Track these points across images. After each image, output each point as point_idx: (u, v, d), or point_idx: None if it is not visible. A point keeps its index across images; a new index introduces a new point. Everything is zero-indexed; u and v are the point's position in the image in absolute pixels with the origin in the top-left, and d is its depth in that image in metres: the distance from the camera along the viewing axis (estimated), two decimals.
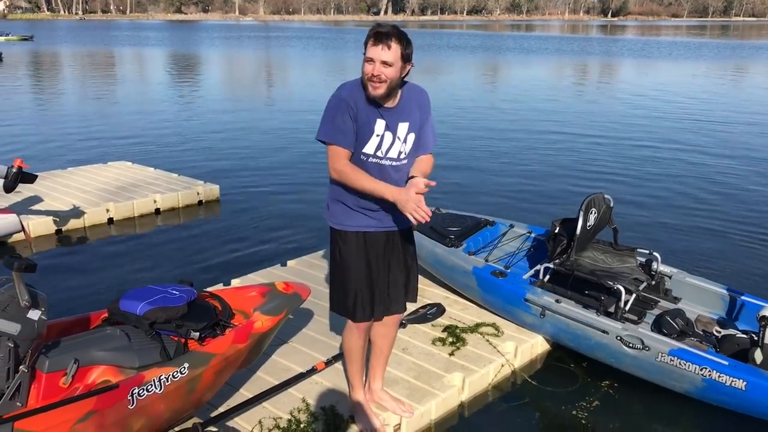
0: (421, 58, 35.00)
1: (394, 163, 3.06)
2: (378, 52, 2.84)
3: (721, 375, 3.64)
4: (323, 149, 3.03)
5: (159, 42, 48.84)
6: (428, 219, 2.81)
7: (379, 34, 2.84)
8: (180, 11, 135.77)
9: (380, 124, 2.97)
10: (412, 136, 3.08)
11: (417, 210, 2.80)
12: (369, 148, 2.98)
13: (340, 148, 2.94)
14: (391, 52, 2.84)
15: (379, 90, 2.89)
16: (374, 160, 3.01)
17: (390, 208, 3.03)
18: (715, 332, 4.24)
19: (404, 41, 2.89)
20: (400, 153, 3.06)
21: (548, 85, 22.69)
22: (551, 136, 12.87)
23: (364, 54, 2.89)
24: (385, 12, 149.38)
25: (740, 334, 4.08)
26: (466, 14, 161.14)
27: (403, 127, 3.04)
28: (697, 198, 8.65)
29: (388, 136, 3.00)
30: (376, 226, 3.14)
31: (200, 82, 23.29)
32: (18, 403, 2.70)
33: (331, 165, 2.98)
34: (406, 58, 2.91)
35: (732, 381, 3.61)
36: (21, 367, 2.73)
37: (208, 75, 26.28)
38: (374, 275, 3.19)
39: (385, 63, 2.84)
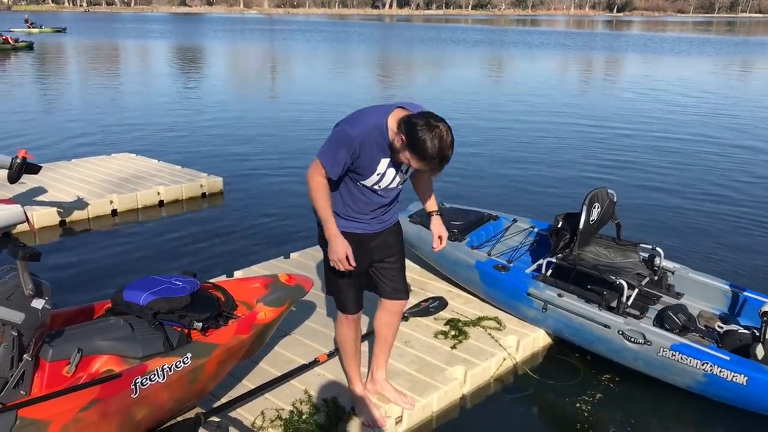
0: (425, 51, 34.94)
1: (391, 189, 3.12)
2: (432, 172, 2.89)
3: (723, 370, 3.65)
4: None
5: (163, 34, 48.80)
6: (347, 268, 2.98)
7: (443, 164, 2.83)
8: (184, 4, 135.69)
9: (384, 163, 2.98)
10: (408, 173, 3.14)
11: (336, 263, 2.99)
12: (369, 182, 3.03)
13: (324, 170, 2.94)
14: None
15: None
16: (374, 188, 3.07)
17: (377, 215, 3.16)
18: (717, 328, 4.25)
19: None
20: (399, 183, 3.12)
21: (552, 80, 22.64)
22: (555, 131, 12.85)
23: (413, 153, 2.77)
24: (390, 6, 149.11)
25: (742, 330, 4.09)
26: (471, 9, 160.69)
27: (409, 170, 3.10)
28: (700, 194, 8.64)
29: (391, 172, 3.03)
30: (365, 229, 3.18)
31: (204, 74, 23.28)
32: (22, 392, 2.72)
33: (309, 172, 2.98)
34: None
35: (733, 376, 3.62)
36: (25, 355, 2.74)
37: (213, 68, 26.28)
38: (361, 270, 3.23)
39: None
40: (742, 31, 77.30)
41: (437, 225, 3.37)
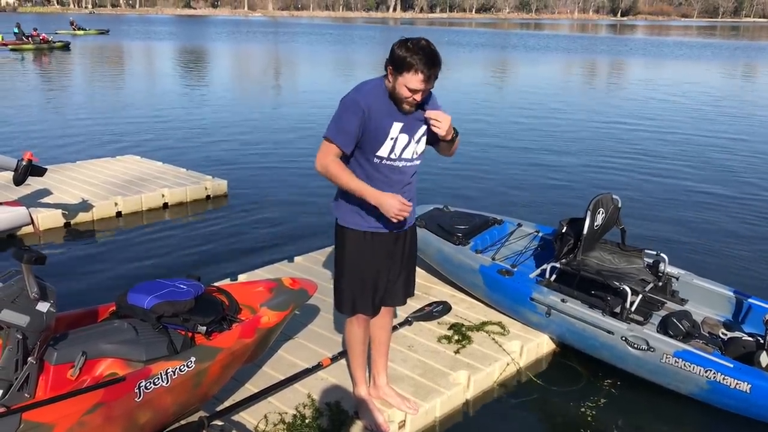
0: None
1: (408, 164, 3.08)
2: (425, 84, 2.85)
3: (726, 377, 3.64)
4: None
5: (168, 36, 48.89)
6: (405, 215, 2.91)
7: (432, 71, 2.81)
8: (189, 6, 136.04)
9: (396, 127, 2.97)
10: (424, 138, 3.11)
11: (398, 216, 2.90)
12: (383, 152, 2.99)
13: (333, 144, 2.94)
14: (433, 82, 2.88)
15: (412, 109, 2.96)
16: (388, 162, 3.02)
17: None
18: (721, 334, 4.24)
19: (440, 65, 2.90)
20: (413, 153, 3.08)
21: (557, 84, 22.64)
22: (560, 136, 12.84)
23: (401, 72, 2.83)
24: (394, 9, 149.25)
25: (746, 337, 4.08)
26: (475, 12, 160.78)
27: (421, 130, 3.07)
28: (705, 200, 8.62)
29: (403, 138, 3.01)
30: (380, 228, 3.15)
31: (209, 77, 23.32)
32: (26, 395, 2.73)
33: (318, 158, 2.97)
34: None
35: (737, 384, 3.61)
36: (29, 358, 2.75)
37: (217, 70, 26.33)
38: (374, 273, 3.22)
39: (426, 90, 2.89)
40: (746, 36, 77.22)
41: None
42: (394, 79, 2.88)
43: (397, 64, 2.83)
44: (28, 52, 31.47)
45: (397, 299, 3.40)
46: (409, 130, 3.01)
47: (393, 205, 2.88)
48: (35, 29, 34.78)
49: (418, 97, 2.90)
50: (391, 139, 2.98)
